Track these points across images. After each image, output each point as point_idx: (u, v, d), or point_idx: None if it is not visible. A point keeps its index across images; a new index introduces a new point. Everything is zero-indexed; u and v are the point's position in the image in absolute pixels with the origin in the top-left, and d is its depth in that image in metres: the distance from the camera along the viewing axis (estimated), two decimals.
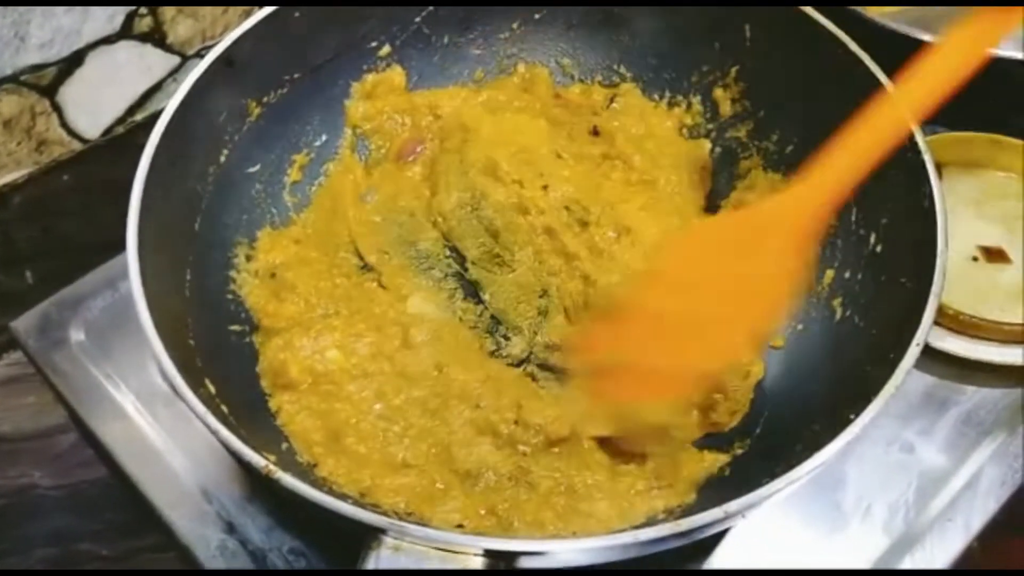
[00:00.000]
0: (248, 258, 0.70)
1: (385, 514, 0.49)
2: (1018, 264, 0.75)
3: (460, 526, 0.58)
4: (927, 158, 0.60)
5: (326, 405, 0.62)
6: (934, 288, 0.55)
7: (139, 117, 0.84)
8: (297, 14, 0.69)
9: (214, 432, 0.51)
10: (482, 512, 0.59)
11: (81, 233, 0.85)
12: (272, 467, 0.49)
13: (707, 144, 0.76)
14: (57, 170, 0.81)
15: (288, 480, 0.49)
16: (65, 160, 0.81)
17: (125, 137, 0.84)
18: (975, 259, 0.75)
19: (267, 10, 0.67)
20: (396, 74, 0.77)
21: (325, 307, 0.68)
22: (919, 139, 0.60)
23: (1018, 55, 0.79)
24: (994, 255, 0.75)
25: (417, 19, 0.76)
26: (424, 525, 0.49)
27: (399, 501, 0.58)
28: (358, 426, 0.62)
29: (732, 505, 0.48)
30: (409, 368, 0.64)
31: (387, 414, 0.62)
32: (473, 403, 0.63)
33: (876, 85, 0.63)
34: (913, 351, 0.53)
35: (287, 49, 0.70)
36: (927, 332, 0.54)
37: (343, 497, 0.55)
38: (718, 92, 0.75)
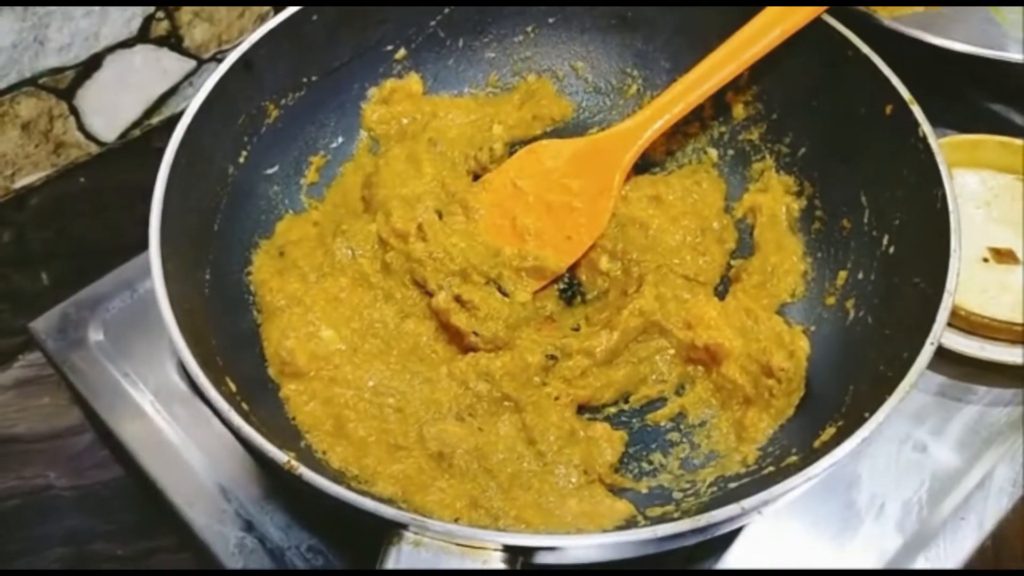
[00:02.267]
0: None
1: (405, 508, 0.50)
2: None
3: (457, 520, 0.58)
4: (940, 160, 0.60)
5: (328, 391, 0.63)
6: (948, 287, 0.55)
7: (155, 120, 0.84)
8: (314, 17, 0.70)
9: (236, 430, 0.51)
10: (466, 502, 0.59)
11: (96, 235, 0.86)
12: (294, 462, 0.49)
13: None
14: (73, 172, 0.81)
15: (310, 475, 0.49)
16: (82, 162, 0.81)
17: (141, 140, 0.84)
18: (985, 260, 0.76)
19: (284, 14, 0.68)
20: (413, 81, 0.78)
21: (321, 286, 0.68)
22: (932, 141, 0.61)
23: None
24: (1004, 256, 0.76)
25: (432, 23, 0.77)
26: (443, 520, 0.49)
27: (397, 491, 0.59)
28: (357, 406, 0.62)
29: (749, 502, 0.49)
30: (395, 341, 0.66)
31: (381, 388, 0.63)
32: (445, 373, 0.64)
33: (887, 86, 0.64)
34: (928, 350, 0.53)
35: (304, 52, 0.71)
36: (942, 331, 0.54)
37: (363, 493, 0.56)
38: (730, 95, 0.75)
